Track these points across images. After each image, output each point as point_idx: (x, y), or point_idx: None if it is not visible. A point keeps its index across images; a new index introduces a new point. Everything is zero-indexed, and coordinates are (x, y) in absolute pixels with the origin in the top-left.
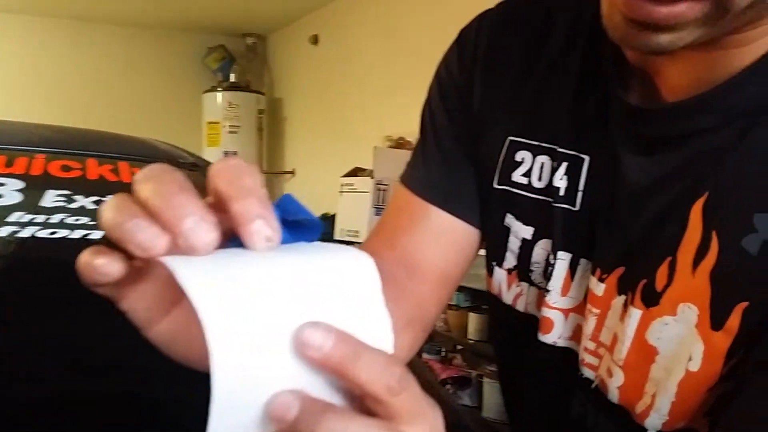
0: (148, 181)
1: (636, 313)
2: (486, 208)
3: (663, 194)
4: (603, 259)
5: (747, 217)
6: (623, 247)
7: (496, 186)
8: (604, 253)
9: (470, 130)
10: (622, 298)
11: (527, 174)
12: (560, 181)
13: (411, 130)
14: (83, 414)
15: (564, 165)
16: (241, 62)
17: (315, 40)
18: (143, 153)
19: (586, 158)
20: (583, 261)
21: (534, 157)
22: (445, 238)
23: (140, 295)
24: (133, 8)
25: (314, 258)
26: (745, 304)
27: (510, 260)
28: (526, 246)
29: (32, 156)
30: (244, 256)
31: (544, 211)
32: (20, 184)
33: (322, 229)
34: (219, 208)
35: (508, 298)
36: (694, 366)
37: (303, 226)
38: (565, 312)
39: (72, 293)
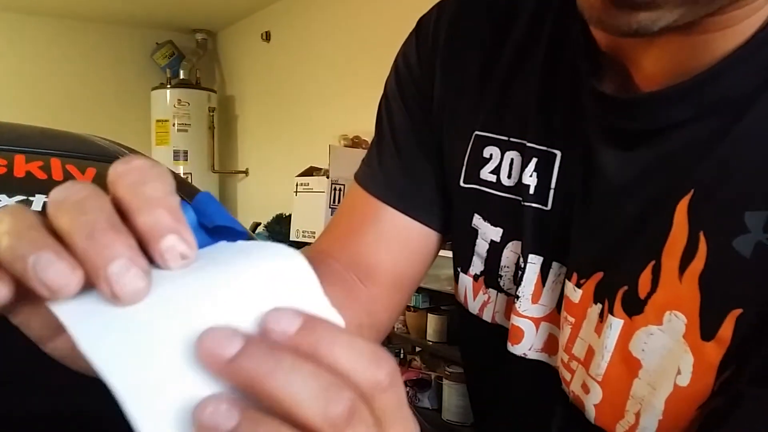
0: (68, 206)
1: (617, 323)
2: (452, 209)
3: (643, 192)
4: (579, 263)
5: (737, 215)
6: (601, 249)
7: (462, 185)
8: (580, 257)
9: (431, 126)
10: (599, 306)
11: (496, 171)
12: (530, 179)
13: (367, 129)
14: None
15: (534, 161)
16: (190, 59)
17: (267, 36)
18: (79, 149)
19: (558, 153)
20: (555, 265)
21: (503, 152)
22: (399, 241)
23: (32, 313)
24: (78, 1)
25: (238, 267)
26: (738, 311)
27: (477, 265)
28: (495, 249)
29: None
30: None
31: (514, 211)
32: None
33: (246, 236)
34: (123, 218)
35: (474, 307)
36: (684, 380)
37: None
38: (536, 321)
39: None
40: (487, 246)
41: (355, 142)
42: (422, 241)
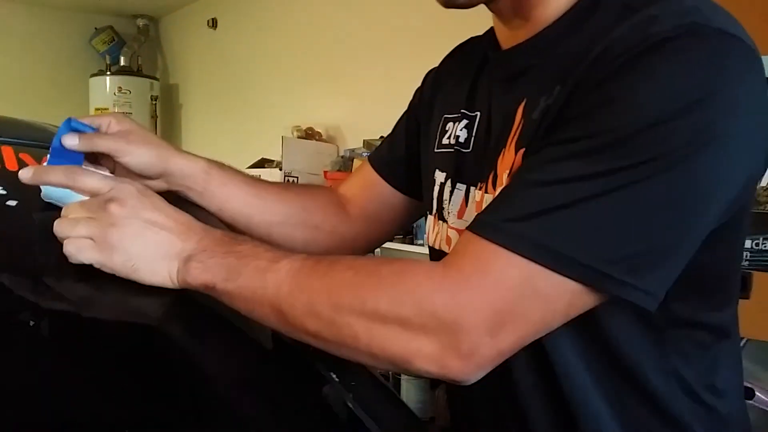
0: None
1: (488, 198)
2: (426, 171)
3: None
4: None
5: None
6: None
7: (434, 151)
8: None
9: (418, 122)
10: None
11: (449, 137)
12: (461, 132)
13: (320, 121)
14: None
15: (464, 122)
16: (131, 45)
17: (214, 23)
18: (33, 137)
19: (478, 114)
20: (472, 189)
21: (455, 124)
22: (372, 191)
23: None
24: None
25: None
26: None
27: (434, 205)
28: (441, 188)
29: None
30: None
31: (452, 159)
32: None
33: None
34: None
35: (432, 239)
36: None
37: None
38: (460, 232)
39: None
40: (438, 188)
41: (308, 134)
42: (390, 197)
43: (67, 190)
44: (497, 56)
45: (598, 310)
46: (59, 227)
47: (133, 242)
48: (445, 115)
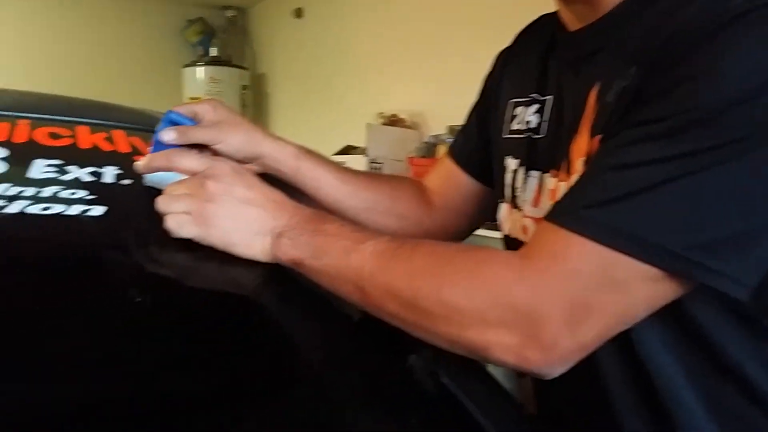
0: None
1: (562, 186)
2: (495, 157)
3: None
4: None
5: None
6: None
7: (503, 137)
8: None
9: (488, 108)
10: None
11: (520, 122)
12: (532, 117)
13: (405, 107)
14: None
15: (534, 106)
16: (221, 36)
17: (299, 13)
18: (141, 122)
19: (549, 98)
20: (545, 176)
21: (525, 108)
22: (452, 182)
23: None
24: None
25: None
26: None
27: (507, 192)
28: (514, 175)
29: (14, 122)
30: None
31: (524, 145)
32: (4, 152)
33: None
34: None
35: (506, 227)
36: None
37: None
38: (537, 221)
39: (68, 275)
40: (511, 176)
41: (392, 121)
42: (466, 185)
43: (167, 174)
44: (564, 38)
45: (686, 300)
46: (161, 203)
47: (228, 218)
48: (514, 99)
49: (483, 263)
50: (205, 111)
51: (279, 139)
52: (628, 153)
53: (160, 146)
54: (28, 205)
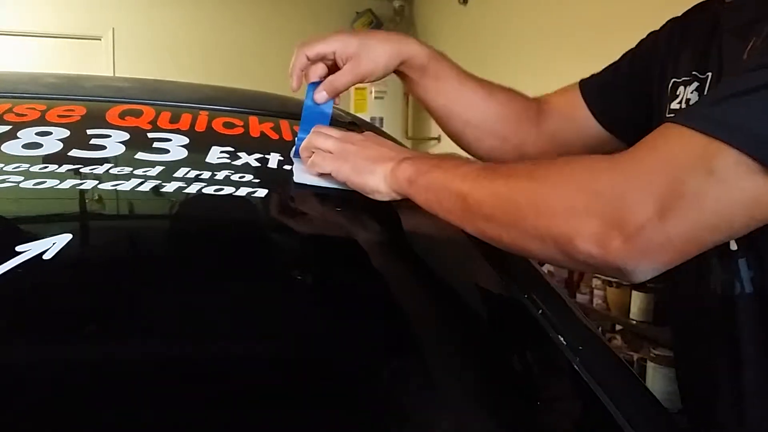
0: None
1: None
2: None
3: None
4: None
5: None
6: None
7: (667, 116)
8: None
9: (646, 63)
10: None
11: (680, 102)
12: (692, 95)
13: None
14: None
15: (694, 84)
16: (388, 26)
17: (464, 0)
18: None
19: (709, 74)
20: None
21: (685, 87)
22: (570, 113)
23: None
24: None
25: None
26: None
27: None
28: None
29: (197, 113)
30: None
31: None
32: (185, 140)
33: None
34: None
35: None
36: None
37: None
38: None
39: (237, 254)
40: None
41: None
42: (584, 120)
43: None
44: (725, 8)
45: None
46: (315, 138)
47: (361, 155)
48: (674, 79)
49: (579, 159)
50: (333, 52)
51: (409, 40)
52: (752, 63)
53: (309, 123)
54: (204, 187)
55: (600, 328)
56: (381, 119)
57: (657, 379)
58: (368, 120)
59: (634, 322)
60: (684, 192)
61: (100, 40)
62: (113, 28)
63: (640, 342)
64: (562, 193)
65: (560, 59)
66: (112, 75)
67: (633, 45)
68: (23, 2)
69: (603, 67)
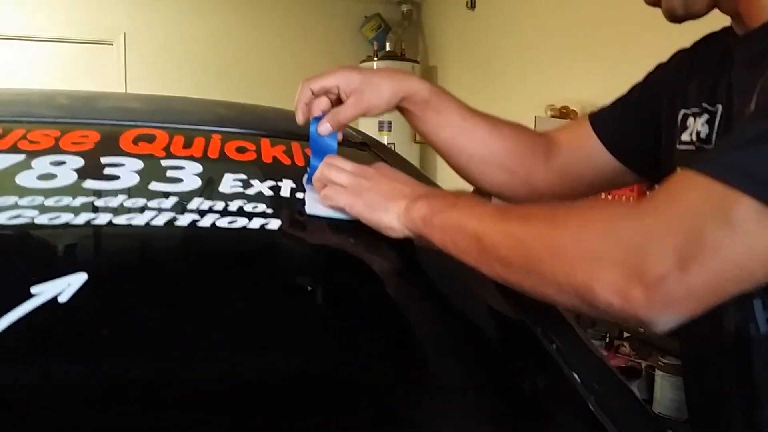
0: None
1: None
2: (666, 165)
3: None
4: None
5: None
6: None
7: (676, 148)
8: None
9: (654, 96)
10: None
11: (690, 134)
12: (702, 128)
13: (576, 98)
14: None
15: (704, 116)
16: (396, 31)
17: (472, 4)
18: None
19: (719, 106)
20: None
21: (695, 119)
22: (581, 146)
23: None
24: None
25: None
26: None
27: None
28: None
29: (209, 137)
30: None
31: (694, 157)
32: (198, 168)
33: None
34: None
35: None
36: None
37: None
38: None
39: (254, 288)
40: None
41: (562, 113)
42: (596, 152)
43: (327, 211)
44: (736, 41)
45: None
46: (328, 171)
47: (375, 189)
48: (684, 110)
49: (598, 206)
50: (336, 87)
51: (411, 77)
52: (763, 111)
53: (319, 153)
54: (218, 219)
55: (608, 335)
56: (389, 123)
57: (665, 388)
58: (377, 123)
59: (642, 330)
60: (704, 242)
61: (111, 44)
62: (125, 33)
63: (649, 350)
64: (582, 239)
65: (568, 63)
66: (123, 83)
67: (640, 49)
68: (36, 8)
69: (608, 73)
